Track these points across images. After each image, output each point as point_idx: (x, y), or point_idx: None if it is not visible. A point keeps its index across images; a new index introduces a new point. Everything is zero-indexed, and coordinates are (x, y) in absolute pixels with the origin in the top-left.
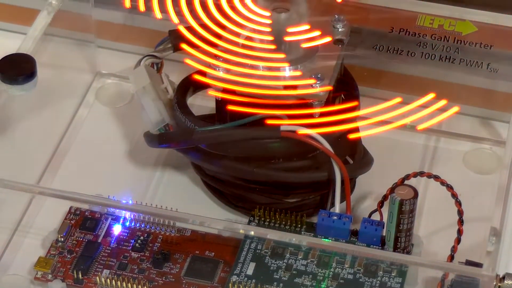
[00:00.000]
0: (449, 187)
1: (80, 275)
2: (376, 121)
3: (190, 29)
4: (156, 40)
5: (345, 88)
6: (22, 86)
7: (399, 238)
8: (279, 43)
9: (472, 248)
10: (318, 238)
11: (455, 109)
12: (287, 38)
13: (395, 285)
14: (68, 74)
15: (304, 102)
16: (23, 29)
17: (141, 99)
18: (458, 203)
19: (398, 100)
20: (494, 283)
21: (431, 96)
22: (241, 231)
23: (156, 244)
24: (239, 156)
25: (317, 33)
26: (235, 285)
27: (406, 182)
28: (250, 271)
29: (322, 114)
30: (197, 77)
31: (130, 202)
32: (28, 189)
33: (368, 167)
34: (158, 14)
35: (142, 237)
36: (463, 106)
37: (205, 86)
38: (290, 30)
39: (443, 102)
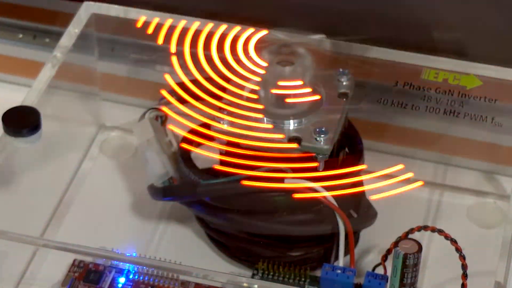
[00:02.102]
0: (453, 241)
1: None
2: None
3: (195, 82)
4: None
5: (349, 142)
6: (27, 139)
7: None
8: (285, 97)
9: None
10: None
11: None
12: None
13: None
14: (73, 126)
15: (308, 156)
16: (28, 81)
17: (145, 152)
18: (462, 257)
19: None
20: None
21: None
22: (245, 284)
23: None
24: (243, 209)
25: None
26: None
27: (410, 236)
28: None
29: (326, 168)
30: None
31: (134, 254)
32: (32, 241)
33: (372, 221)
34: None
35: None
36: (467, 160)
37: (210, 139)
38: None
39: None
